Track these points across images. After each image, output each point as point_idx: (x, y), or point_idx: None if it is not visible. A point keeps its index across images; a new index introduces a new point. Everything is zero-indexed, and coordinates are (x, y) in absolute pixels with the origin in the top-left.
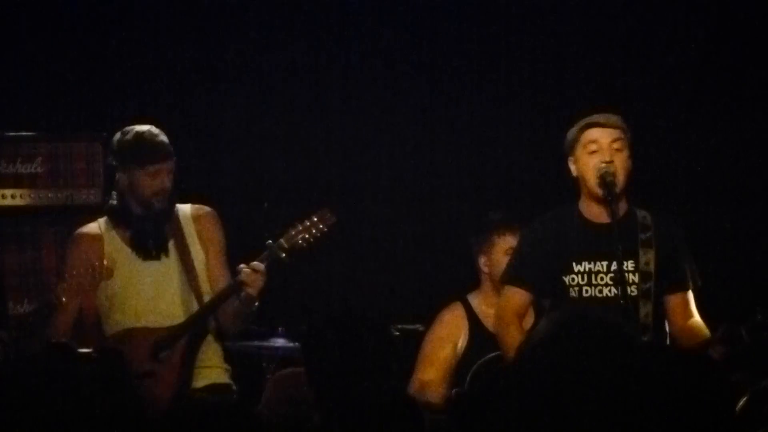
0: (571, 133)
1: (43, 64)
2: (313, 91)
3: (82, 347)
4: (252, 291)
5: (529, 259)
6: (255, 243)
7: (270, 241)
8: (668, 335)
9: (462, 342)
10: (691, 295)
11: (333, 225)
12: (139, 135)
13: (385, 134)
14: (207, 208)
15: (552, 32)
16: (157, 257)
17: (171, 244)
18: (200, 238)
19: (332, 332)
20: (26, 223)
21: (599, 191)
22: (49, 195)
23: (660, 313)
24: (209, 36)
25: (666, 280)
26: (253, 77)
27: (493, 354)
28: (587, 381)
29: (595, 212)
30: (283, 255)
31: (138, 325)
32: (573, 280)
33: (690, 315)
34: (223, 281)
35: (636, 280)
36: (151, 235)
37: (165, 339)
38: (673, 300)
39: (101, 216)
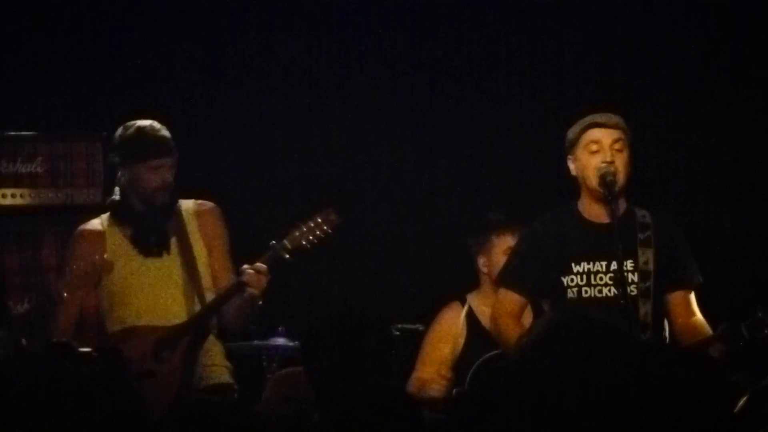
0: (572, 132)
1: (43, 64)
2: (313, 90)
3: (83, 346)
4: (255, 292)
5: (527, 260)
6: (254, 242)
7: (273, 241)
8: (669, 334)
9: (461, 341)
10: (691, 293)
11: (337, 226)
12: (141, 130)
13: (385, 134)
14: (210, 204)
15: (552, 32)
16: (159, 254)
17: (173, 241)
18: (203, 234)
19: (332, 332)
20: (26, 222)
21: (600, 190)
22: (50, 194)
23: (660, 312)
24: (210, 35)
25: (666, 279)
26: (254, 77)
27: (493, 353)
28: (585, 380)
29: (594, 212)
30: (287, 256)
31: (139, 323)
32: (572, 280)
33: (691, 313)
34: (226, 278)
35: (635, 279)
36: (153, 232)
37: (167, 338)
38: (674, 298)
39: (103, 212)
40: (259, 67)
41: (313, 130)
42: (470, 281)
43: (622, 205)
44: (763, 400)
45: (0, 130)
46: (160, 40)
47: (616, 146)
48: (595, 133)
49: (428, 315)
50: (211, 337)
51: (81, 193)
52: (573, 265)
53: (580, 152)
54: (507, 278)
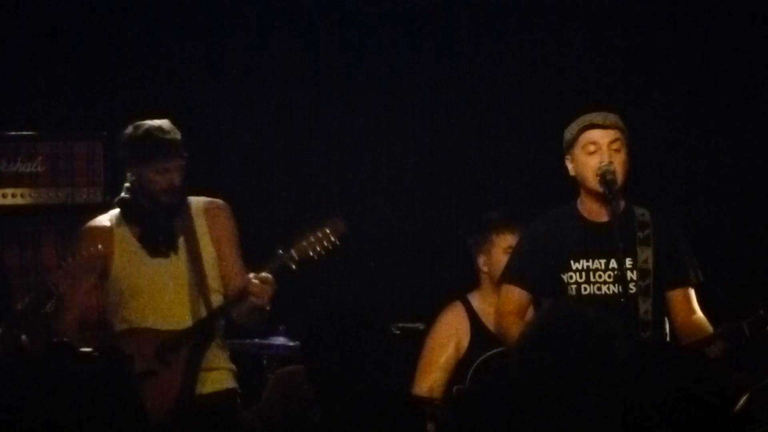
0: (570, 132)
1: (43, 64)
2: (312, 90)
3: (86, 345)
4: (259, 301)
5: (528, 257)
6: (254, 242)
7: (280, 250)
8: (669, 332)
9: (464, 342)
10: (692, 291)
11: (344, 237)
12: (150, 131)
13: (385, 134)
14: (219, 202)
15: (552, 32)
16: (166, 255)
17: (181, 241)
18: (211, 233)
19: (332, 331)
20: (27, 222)
21: (600, 189)
22: (50, 194)
23: (660, 311)
24: (210, 35)
25: (666, 277)
26: (255, 77)
27: (493, 351)
28: (584, 379)
29: (593, 211)
30: (293, 266)
31: (144, 325)
32: (571, 278)
33: (692, 311)
34: (237, 278)
35: (634, 277)
36: (161, 232)
37: (170, 342)
38: (674, 296)
39: (105, 211)
40: (259, 67)
41: (312, 130)
42: (470, 281)
43: (621, 204)
44: (763, 399)
45: (0, 129)
46: (160, 40)
47: (614, 146)
48: (593, 134)
49: (429, 314)
50: (218, 341)
51: (81, 192)
52: (572, 262)
53: (578, 153)
54: (510, 274)
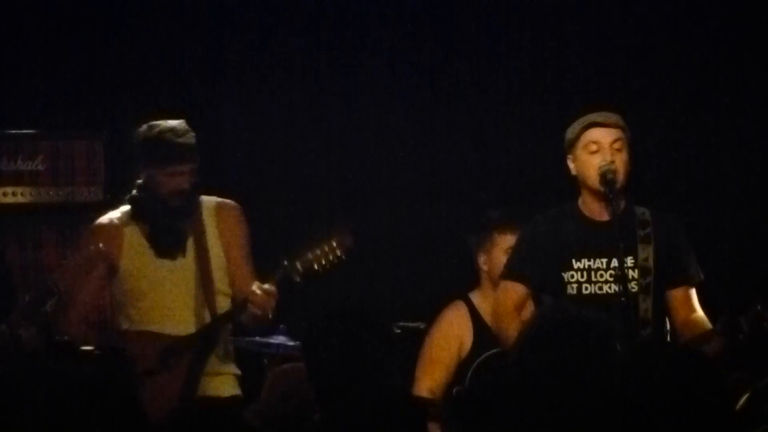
0: (571, 132)
1: (43, 63)
2: (313, 90)
3: (89, 344)
4: (260, 312)
5: (529, 254)
6: (255, 244)
7: (285, 262)
8: (669, 330)
9: (466, 341)
10: (693, 289)
11: (350, 250)
12: (161, 134)
13: (385, 134)
14: (231, 203)
15: (552, 32)
16: (173, 256)
17: (189, 242)
18: (221, 234)
19: (333, 330)
20: (27, 220)
21: (601, 188)
22: (50, 193)
23: (660, 309)
24: (211, 35)
25: (667, 276)
26: (255, 77)
27: (493, 351)
28: (583, 379)
29: (594, 210)
30: (297, 279)
31: (148, 327)
32: (572, 277)
33: (693, 309)
34: (244, 283)
35: (635, 276)
36: (169, 233)
37: (173, 347)
38: (675, 295)
39: (110, 209)
40: (259, 67)
41: (313, 129)
42: (471, 280)
43: (622, 203)
44: (763, 398)
45: (0, 128)
46: (161, 39)
47: (616, 146)
48: (595, 133)
49: (429, 313)
50: (223, 345)
51: (81, 191)
52: (573, 261)
53: (580, 152)
54: (510, 270)
